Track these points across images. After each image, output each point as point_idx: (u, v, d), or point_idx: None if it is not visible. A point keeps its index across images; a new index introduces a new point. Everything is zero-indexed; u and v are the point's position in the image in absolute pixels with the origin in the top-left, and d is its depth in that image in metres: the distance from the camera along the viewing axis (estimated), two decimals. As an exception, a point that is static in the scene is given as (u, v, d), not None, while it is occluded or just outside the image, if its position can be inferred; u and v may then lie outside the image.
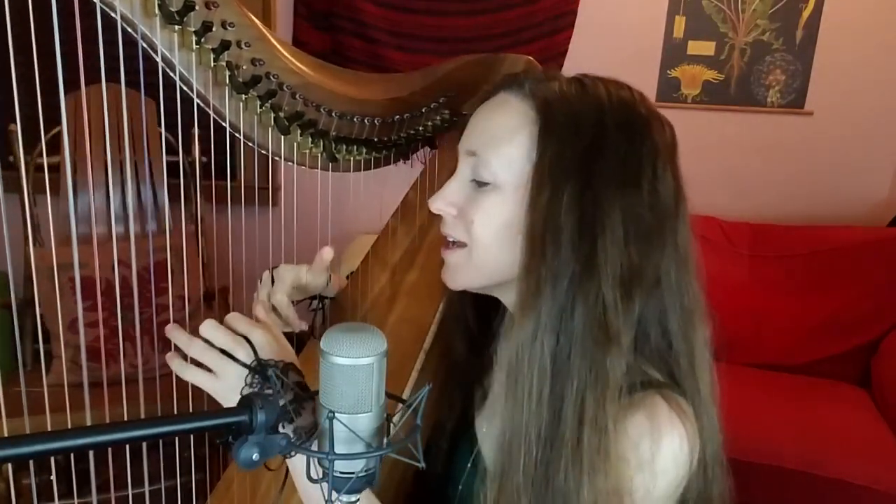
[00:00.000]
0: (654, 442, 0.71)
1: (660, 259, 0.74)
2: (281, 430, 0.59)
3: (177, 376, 0.77)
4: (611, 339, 0.70)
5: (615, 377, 0.70)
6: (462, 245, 0.81)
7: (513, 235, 0.75)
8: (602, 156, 0.72)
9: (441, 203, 0.81)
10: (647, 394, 0.74)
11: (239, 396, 0.61)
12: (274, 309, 0.98)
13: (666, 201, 0.75)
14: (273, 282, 0.99)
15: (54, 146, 2.12)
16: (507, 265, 0.77)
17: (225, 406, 0.74)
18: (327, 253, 1.02)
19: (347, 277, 1.21)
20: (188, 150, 2.25)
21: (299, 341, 1.09)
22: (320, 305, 1.12)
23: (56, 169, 2.14)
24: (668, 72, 2.76)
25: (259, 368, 0.71)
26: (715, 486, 0.80)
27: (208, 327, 0.75)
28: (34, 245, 2.10)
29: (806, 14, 2.66)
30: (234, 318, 0.77)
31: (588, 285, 0.70)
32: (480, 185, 0.78)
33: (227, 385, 0.74)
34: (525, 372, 0.71)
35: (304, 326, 1.01)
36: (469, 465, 0.90)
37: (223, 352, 0.74)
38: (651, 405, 0.73)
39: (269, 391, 0.67)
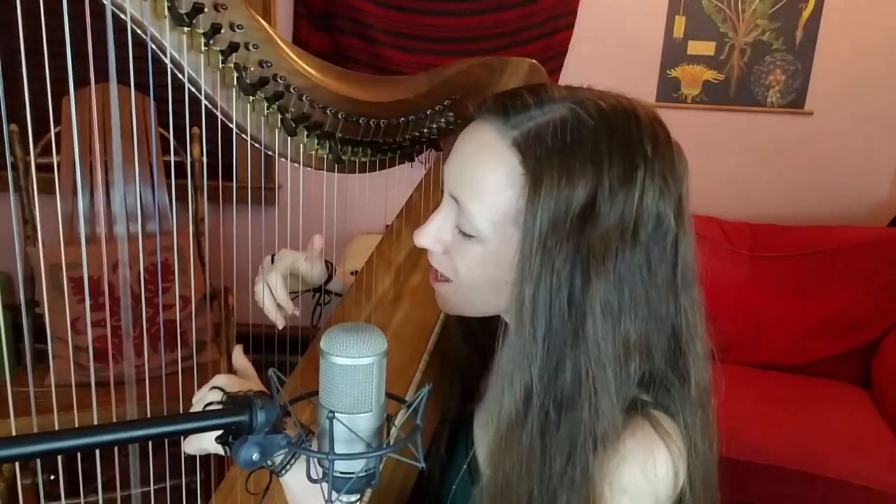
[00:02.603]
0: (641, 467, 0.70)
1: (658, 320, 0.71)
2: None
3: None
4: (601, 415, 0.67)
5: (609, 448, 0.69)
6: (449, 280, 0.79)
7: (499, 283, 0.73)
8: (597, 216, 0.66)
9: (426, 240, 0.78)
10: (632, 417, 0.72)
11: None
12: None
13: (666, 253, 0.70)
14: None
15: (56, 146, 2.11)
16: (495, 304, 0.76)
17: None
18: (318, 241, 1.05)
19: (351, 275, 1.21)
20: (190, 151, 2.25)
21: (303, 339, 1.10)
22: (327, 300, 1.13)
23: (57, 169, 2.14)
24: (668, 72, 2.76)
25: (230, 400, 0.77)
26: None
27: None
28: (36, 244, 2.11)
29: (806, 14, 2.66)
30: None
31: (579, 363, 0.67)
32: (464, 234, 0.74)
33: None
34: (515, 448, 0.70)
35: (297, 311, 1.03)
36: (465, 466, 0.90)
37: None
38: (636, 429, 0.71)
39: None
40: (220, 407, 0.77)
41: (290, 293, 1.03)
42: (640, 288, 0.68)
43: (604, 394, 0.67)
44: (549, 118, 0.69)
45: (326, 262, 1.12)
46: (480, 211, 0.71)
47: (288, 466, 0.77)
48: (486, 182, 0.71)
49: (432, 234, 0.78)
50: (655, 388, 0.74)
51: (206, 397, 0.81)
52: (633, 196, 0.67)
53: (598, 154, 0.66)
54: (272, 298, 1.00)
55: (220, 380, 0.84)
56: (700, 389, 0.75)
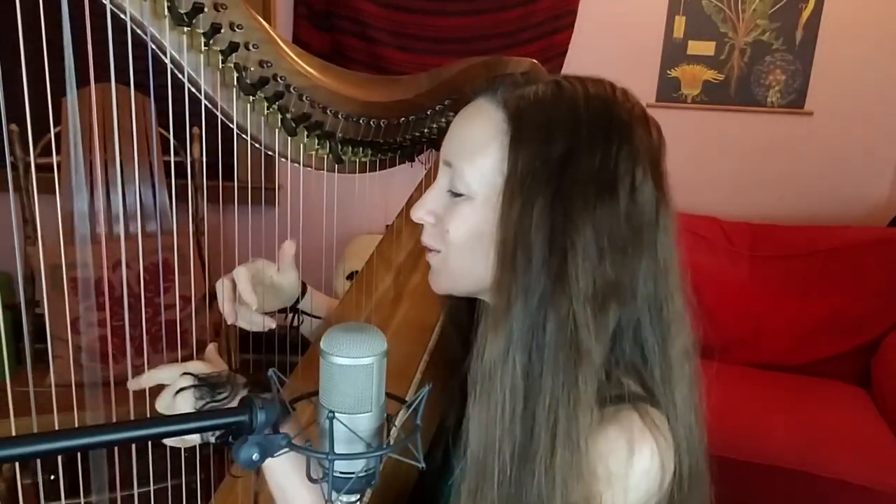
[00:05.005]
0: (626, 456, 0.71)
1: (636, 272, 0.73)
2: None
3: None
4: (582, 357, 0.69)
5: (587, 394, 0.69)
6: (439, 250, 0.81)
7: (485, 245, 0.74)
8: (575, 166, 0.70)
9: (421, 212, 0.81)
10: (622, 407, 0.73)
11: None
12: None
13: (645, 211, 0.73)
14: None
15: (56, 146, 2.11)
16: (483, 274, 0.76)
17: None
18: (289, 246, 1.02)
19: (349, 277, 1.21)
20: (190, 151, 2.25)
21: (303, 340, 1.10)
22: (300, 321, 1.10)
23: (57, 169, 2.13)
24: (668, 72, 2.76)
25: (203, 382, 0.79)
26: (693, 499, 0.79)
27: (147, 376, 0.84)
28: (36, 244, 2.11)
29: (806, 14, 2.66)
30: (161, 367, 0.84)
31: (559, 302, 0.69)
32: (456, 195, 0.78)
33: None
34: (497, 389, 0.70)
35: (273, 324, 0.99)
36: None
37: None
38: (624, 419, 0.72)
39: (221, 395, 0.77)
40: (194, 388, 0.79)
41: (266, 313, 1.00)
42: (619, 240, 0.71)
43: (584, 333, 0.69)
44: (536, 87, 0.76)
45: (304, 282, 1.09)
46: (470, 167, 0.76)
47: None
48: (475, 138, 0.76)
49: (425, 206, 0.81)
50: (635, 344, 0.76)
51: (177, 384, 0.80)
52: (610, 154, 0.71)
53: (577, 111, 0.72)
54: (230, 290, 0.95)
55: (191, 366, 0.83)
56: (680, 346, 0.77)
